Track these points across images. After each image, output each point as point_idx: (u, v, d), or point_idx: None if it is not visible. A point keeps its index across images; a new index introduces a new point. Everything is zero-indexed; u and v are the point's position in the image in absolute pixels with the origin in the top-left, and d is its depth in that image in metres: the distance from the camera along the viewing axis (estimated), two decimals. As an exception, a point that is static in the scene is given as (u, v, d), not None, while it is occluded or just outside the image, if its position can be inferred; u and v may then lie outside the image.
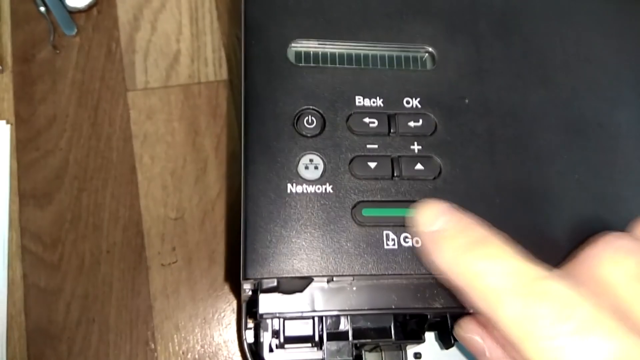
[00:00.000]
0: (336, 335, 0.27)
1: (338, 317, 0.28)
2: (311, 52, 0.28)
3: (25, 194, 0.45)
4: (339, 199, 0.26)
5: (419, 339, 0.29)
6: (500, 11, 0.30)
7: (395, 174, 0.26)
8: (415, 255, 0.25)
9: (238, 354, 0.43)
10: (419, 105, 0.28)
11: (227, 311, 0.43)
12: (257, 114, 0.27)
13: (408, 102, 0.28)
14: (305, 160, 0.26)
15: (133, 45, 0.49)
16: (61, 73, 0.48)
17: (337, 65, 0.28)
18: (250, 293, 0.27)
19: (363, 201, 0.26)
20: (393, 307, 0.26)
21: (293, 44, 0.28)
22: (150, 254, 0.44)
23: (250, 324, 0.33)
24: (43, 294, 0.43)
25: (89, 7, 0.49)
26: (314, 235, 0.25)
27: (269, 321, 0.28)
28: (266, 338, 0.28)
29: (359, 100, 0.27)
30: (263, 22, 0.28)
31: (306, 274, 0.25)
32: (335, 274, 0.25)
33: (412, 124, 0.27)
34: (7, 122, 0.46)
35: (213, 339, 0.43)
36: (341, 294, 0.26)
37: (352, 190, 0.26)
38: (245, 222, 0.25)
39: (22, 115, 0.47)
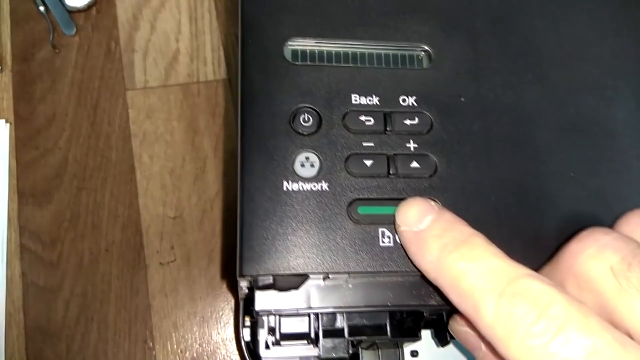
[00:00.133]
0: (332, 332, 0.27)
1: (334, 314, 0.28)
2: (308, 51, 0.28)
3: (24, 193, 0.45)
4: (334, 196, 0.26)
5: (415, 337, 0.29)
6: (496, 9, 0.30)
7: (391, 172, 0.27)
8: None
9: (236, 352, 0.43)
10: (415, 104, 0.28)
11: (226, 310, 0.43)
12: (254, 111, 0.27)
13: (404, 101, 0.28)
14: (301, 158, 0.26)
15: (132, 45, 0.49)
16: (60, 72, 0.48)
17: (334, 64, 0.28)
18: (247, 291, 0.27)
19: (359, 199, 0.26)
20: (389, 304, 0.26)
21: (290, 43, 0.28)
22: (149, 253, 0.44)
23: (248, 322, 0.33)
24: (42, 292, 0.43)
25: (88, 7, 0.49)
26: (310, 232, 0.25)
27: (265, 318, 0.28)
28: (262, 335, 0.28)
29: (355, 99, 0.27)
30: (260, 21, 0.28)
31: (302, 271, 0.25)
32: (331, 271, 0.25)
33: (408, 122, 0.27)
34: (7, 121, 0.47)
35: (211, 337, 0.43)
36: (337, 291, 0.26)
37: (348, 188, 0.26)
38: (241, 219, 0.25)
39: (21, 114, 0.47)
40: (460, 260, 0.22)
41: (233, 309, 0.44)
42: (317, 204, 0.26)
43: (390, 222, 0.26)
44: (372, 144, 0.27)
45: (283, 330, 0.28)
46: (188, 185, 0.46)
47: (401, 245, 0.25)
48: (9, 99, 0.47)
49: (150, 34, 0.49)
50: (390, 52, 0.29)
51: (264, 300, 0.26)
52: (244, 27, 0.28)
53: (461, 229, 0.23)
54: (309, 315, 0.28)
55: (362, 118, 0.27)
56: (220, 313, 0.43)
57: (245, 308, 0.32)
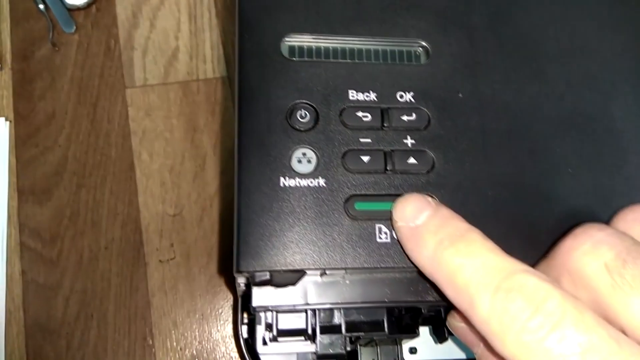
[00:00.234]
0: (329, 329, 0.27)
1: (331, 310, 0.28)
2: (304, 47, 0.28)
3: (24, 190, 0.45)
4: (331, 192, 0.26)
5: (414, 333, 0.29)
6: (494, 4, 0.30)
7: (388, 168, 0.26)
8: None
9: (236, 350, 0.43)
10: (413, 100, 0.28)
11: (225, 307, 0.43)
12: (251, 107, 0.27)
13: (401, 96, 0.28)
14: (298, 153, 0.26)
15: (132, 43, 0.49)
16: (60, 70, 0.48)
17: (331, 60, 0.28)
18: (244, 287, 0.27)
19: (356, 195, 0.26)
20: (386, 300, 0.26)
21: (286, 39, 0.28)
22: (148, 250, 0.44)
23: (246, 319, 0.33)
24: (42, 289, 0.43)
25: (88, 5, 0.49)
26: (307, 228, 0.25)
27: (262, 314, 0.28)
28: (259, 331, 0.28)
29: (352, 94, 0.27)
30: (257, 17, 0.28)
31: (299, 267, 0.25)
32: (328, 267, 0.25)
33: (405, 118, 0.27)
34: (7, 119, 0.47)
35: (211, 335, 0.43)
36: (334, 287, 0.26)
37: (345, 184, 0.26)
38: (238, 215, 0.25)
39: (21, 112, 0.47)
40: (456, 256, 0.22)
41: (232, 306, 0.44)
42: (314, 200, 0.26)
43: (387, 218, 0.26)
44: (369, 140, 0.27)
45: (280, 327, 0.28)
46: (187, 183, 0.46)
47: (398, 241, 0.25)
48: (8, 96, 0.47)
49: (149, 31, 0.49)
50: (388, 47, 0.29)
51: (261, 296, 0.26)
52: (240, 23, 0.28)
53: (457, 225, 0.23)
54: (306, 311, 0.28)
55: (359, 114, 0.27)
56: (220, 311, 0.43)
57: (243, 305, 0.32)
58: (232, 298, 0.44)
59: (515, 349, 0.19)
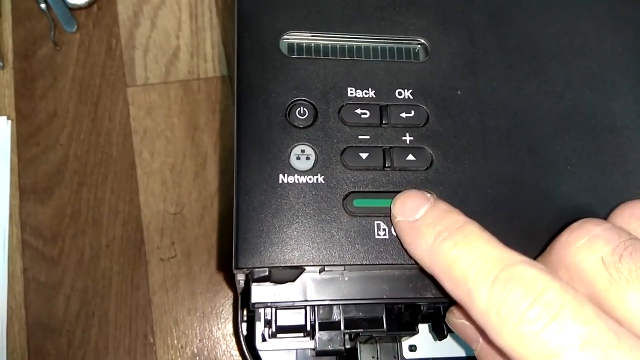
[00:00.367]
0: (328, 325, 0.27)
1: (330, 307, 0.28)
2: (304, 44, 0.28)
3: (25, 189, 0.45)
4: (330, 189, 0.26)
5: (413, 330, 0.29)
6: (493, 2, 0.30)
7: (386, 165, 0.27)
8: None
9: (236, 348, 0.43)
10: (411, 97, 0.28)
11: (226, 306, 0.44)
12: (250, 105, 0.27)
13: (400, 94, 0.28)
14: (297, 150, 0.26)
15: (133, 42, 0.49)
16: (62, 69, 0.48)
17: (330, 57, 0.28)
18: (244, 284, 0.27)
19: (354, 192, 0.26)
20: (385, 297, 0.26)
21: (285, 36, 0.28)
22: (149, 249, 0.44)
23: (246, 317, 0.33)
24: (43, 287, 0.43)
25: (89, 4, 0.50)
26: (306, 225, 0.25)
27: (261, 311, 0.28)
28: (259, 328, 0.28)
29: (351, 92, 0.28)
30: (256, 14, 0.28)
31: (297, 264, 0.25)
32: (327, 263, 0.25)
33: (404, 115, 0.27)
34: (8, 118, 0.47)
35: (212, 333, 0.43)
36: (333, 284, 0.26)
37: (344, 181, 0.26)
38: (237, 212, 0.25)
39: (22, 111, 0.47)
40: (454, 248, 0.22)
41: (233, 304, 0.44)
42: (312, 197, 0.26)
43: (386, 215, 0.26)
44: (367, 137, 0.27)
45: (279, 323, 0.28)
46: (188, 182, 0.46)
47: (396, 236, 0.25)
48: (10, 95, 0.48)
49: (150, 31, 0.50)
50: (387, 45, 0.29)
51: (260, 293, 0.26)
52: (240, 21, 0.28)
53: (455, 217, 0.23)
54: (305, 307, 0.28)
55: (358, 111, 0.27)
56: (221, 309, 0.43)
57: (243, 302, 0.32)
58: (232, 296, 0.44)
59: (512, 340, 0.19)
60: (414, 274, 0.26)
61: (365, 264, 0.25)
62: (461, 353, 0.34)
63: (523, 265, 0.20)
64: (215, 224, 0.45)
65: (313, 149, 0.26)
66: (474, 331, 0.25)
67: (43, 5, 0.49)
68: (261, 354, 0.29)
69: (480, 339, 0.25)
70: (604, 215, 0.26)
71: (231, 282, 0.43)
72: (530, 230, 0.26)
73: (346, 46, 0.29)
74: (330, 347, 0.27)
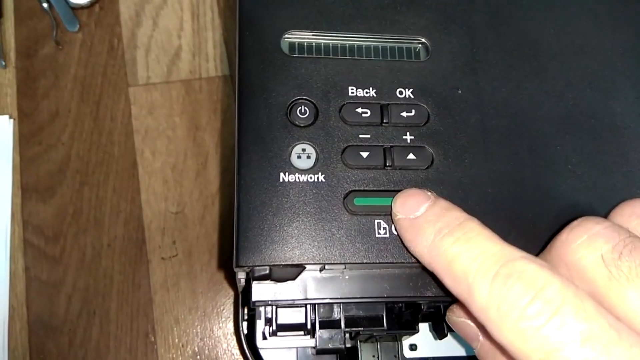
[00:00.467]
0: (329, 324, 0.27)
1: (331, 305, 0.28)
2: (305, 43, 0.29)
3: (27, 188, 0.46)
4: (331, 188, 0.26)
5: (413, 329, 0.29)
6: (494, 2, 0.30)
7: (387, 164, 0.27)
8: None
9: (237, 347, 0.43)
10: (412, 96, 0.28)
11: (227, 304, 0.44)
12: (251, 104, 0.27)
13: (401, 93, 0.28)
14: (297, 149, 0.26)
15: (135, 41, 0.49)
16: (64, 68, 0.48)
17: (331, 56, 0.28)
18: (244, 283, 0.27)
19: (355, 190, 0.26)
20: (385, 295, 0.26)
21: (286, 35, 0.28)
22: (150, 248, 0.44)
23: (247, 316, 0.33)
24: (45, 286, 0.43)
25: (91, 4, 0.50)
26: (306, 223, 0.25)
27: (262, 309, 0.28)
28: (259, 326, 0.28)
29: (352, 91, 0.28)
30: (257, 14, 0.28)
31: (298, 262, 0.25)
32: (327, 262, 0.25)
33: (404, 114, 0.27)
34: (10, 117, 0.47)
35: (212, 332, 0.43)
36: (333, 283, 0.26)
37: (344, 180, 0.26)
38: (237, 210, 0.25)
39: (25, 110, 0.47)
40: (455, 244, 0.22)
41: (233, 303, 0.44)
42: (313, 196, 0.26)
43: (387, 214, 0.26)
44: (368, 136, 0.27)
45: (280, 321, 0.28)
46: (190, 181, 0.46)
47: (397, 235, 0.25)
48: (12, 95, 0.48)
49: (152, 30, 0.50)
50: (388, 44, 0.29)
51: (260, 291, 0.26)
52: (241, 20, 0.28)
53: (456, 215, 0.23)
54: (305, 306, 0.28)
55: (359, 110, 0.27)
56: (222, 308, 0.43)
57: (244, 300, 0.32)
58: (233, 295, 0.44)
59: (512, 336, 0.19)
60: (415, 272, 0.26)
61: (366, 263, 0.25)
62: (462, 352, 0.34)
63: (523, 261, 0.20)
64: (217, 223, 0.45)
65: (314, 147, 0.26)
66: (475, 329, 0.25)
67: (45, 5, 0.49)
68: (262, 352, 0.29)
69: (481, 338, 0.25)
70: (605, 214, 0.26)
71: (232, 280, 0.43)
72: (531, 229, 0.26)
73: (347, 45, 0.29)
74: (330, 346, 0.27)
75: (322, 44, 0.29)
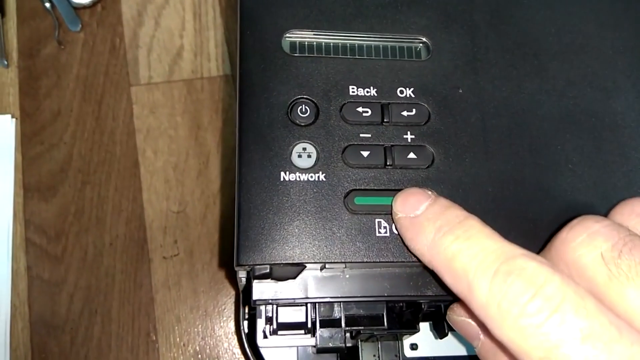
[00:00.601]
0: (329, 323, 0.28)
1: (331, 304, 0.28)
2: (305, 43, 0.29)
3: (29, 187, 0.46)
4: (331, 187, 0.26)
5: (413, 329, 0.29)
6: (494, 1, 0.30)
7: (388, 163, 0.27)
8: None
9: (238, 346, 0.43)
10: (413, 95, 0.28)
11: (228, 304, 0.44)
12: (252, 103, 0.27)
13: (402, 92, 0.28)
14: (298, 148, 0.26)
15: (137, 41, 0.50)
16: (66, 68, 0.48)
17: (332, 55, 0.28)
18: (245, 281, 0.27)
19: (355, 189, 0.26)
20: (385, 294, 0.26)
21: (287, 35, 0.28)
22: (152, 247, 0.44)
23: (247, 315, 0.33)
24: (46, 285, 0.43)
25: (94, 3, 0.50)
26: (307, 222, 0.25)
27: (262, 308, 0.28)
28: (260, 325, 0.28)
29: (353, 90, 0.28)
30: (258, 13, 0.28)
31: (298, 261, 0.25)
32: (328, 261, 0.25)
33: (405, 113, 0.27)
34: (13, 116, 0.47)
35: (214, 331, 0.43)
36: (334, 282, 0.26)
37: (345, 179, 0.26)
38: (238, 209, 0.25)
39: (27, 110, 0.47)
40: (455, 242, 0.22)
41: (235, 303, 0.44)
42: (314, 195, 0.26)
43: (387, 213, 0.26)
44: (369, 135, 0.27)
45: (280, 320, 0.28)
46: (191, 180, 0.46)
47: (397, 234, 0.25)
48: (14, 94, 0.48)
49: (154, 30, 0.50)
50: (389, 43, 0.29)
51: (261, 289, 0.26)
52: (242, 20, 0.28)
53: (456, 213, 0.23)
54: (306, 305, 0.28)
55: (360, 109, 0.27)
56: (223, 307, 0.44)
57: (245, 299, 0.32)
58: (234, 294, 0.44)
59: (513, 334, 0.19)
60: (415, 271, 0.26)
61: (366, 262, 0.25)
62: (462, 352, 0.34)
63: (524, 258, 0.20)
64: (218, 222, 0.45)
65: (314, 146, 0.26)
66: (475, 328, 0.25)
67: (47, 5, 0.49)
68: (262, 350, 0.29)
69: (482, 336, 0.25)
70: (605, 213, 0.26)
71: (233, 279, 0.43)
72: (531, 228, 0.26)
73: (348, 45, 0.29)
74: (331, 345, 0.27)
75: (323, 43, 0.29)
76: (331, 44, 0.29)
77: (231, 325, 0.43)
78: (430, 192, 0.25)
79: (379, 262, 0.25)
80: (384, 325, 0.27)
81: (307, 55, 0.28)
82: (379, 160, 0.27)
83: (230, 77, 0.49)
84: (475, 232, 0.22)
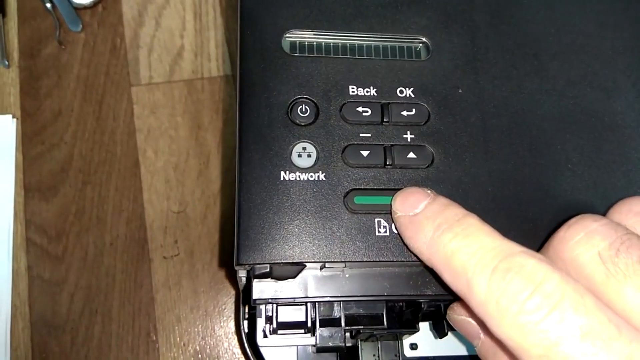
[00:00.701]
0: (329, 322, 0.28)
1: (331, 304, 0.28)
2: (306, 43, 0.29)
3: (30, 187, 0.46)
4: (331, 186, 0.26)
5: (413, 328, 0.29)
6: (494, 1, 0.30)
7: (387, 163, 0.27)
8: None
9: (238, 346, 0.43)
10: (413, 95, 0.28)
11: (228, 304, 0.44)
12: (252, 102, 0.27)
13: (401, 92, 0.28)
14: (298, 148, 0.26)
15: (137, 41, 0.50)
16: (66, 68, 0.48)
17: (332, 55, 0.28)
18: (245, 281, 0.27)
19: (355, 189, 0.26)
20: (385, 294, 0.26)
21: (287, 35, 0.28)
22: (152, 247, 0.45)
23: (247, 315, 0.33)
24: (47, 285, 0.44)
25: (94, 4, 0.50)
26: (307, 222, 0.25)
27: (262, 307, 0.28)
28: (260, 324, 0.28)
29: (353, 90, 0.28)
30: (258, 13, 0.28)
31: (298, 260, 0.25)
32: (327, 260, 0.25)
33: (405, 113, 0.27)
34: (13, 116, 0.47)
35: (214, 331, 0.43)
36: (334, 281, 0.26)
37: (345, 178, 0.26)
38: (238, 208, 0.25)
39: (27, 110, 0.47)
40: (454, 239, 0.22)
41: (235, 303, 0.44)
42: (313, 194, 0.26)
43: (387, 212, 0.26)
44: (369, 135, 0.27)
45: (280, 319, 0.28)
46: (192, 180, 0.46)
47: (397, 233, 0.25)
48: (15, 94, 0.48)
49: (155, 30, 0.50)
50: (388, 43, 0.29)
51: (261, 289, 0.26)
52: (242, 19, 0.28)
53: (455, 211, 0.23)
54: (306, 304, 0.28)
55: (360, 109, 0.27)
56: (223, 307, 0.44)
57: (245, 298, 0.32)
58: (234, 294, 0.44)
59: (512, 331, 0.19)
60: (415, 271, 0.26)
61: (366, 261, 0.25)
62: (462, 351, 0.34)
63: (523, 255, 0.20)
64: (218, 222, 0.45)
65: (314, 146, 0.27)
66: (475, 327, 0.25)
67: (48, 5, 0.49)
68: (262, 350, 0.29)
69: (482, 335, 0.25)
70: (605, 213, 0.26)
71: (233, 279, 0.43)
72: (531, 228, 0.27)
73: (348, 44, 0.29)
74: (330, 344, 0.27)
75: (323, 43, 0.29)
76: (331, 44, 0.29)
77: (231, 325, 0.43)
78: (429, 191, 0.25)
79: (379, 261, 0.25)
80: (383, 324, 0.27)
81: (307, 55, 0.28)
82: (378, 159, 0.27)
83: (231, 77, 0.49)
84: (474, 230, 0.22)
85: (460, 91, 0.28)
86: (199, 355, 0.42)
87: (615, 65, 0.30)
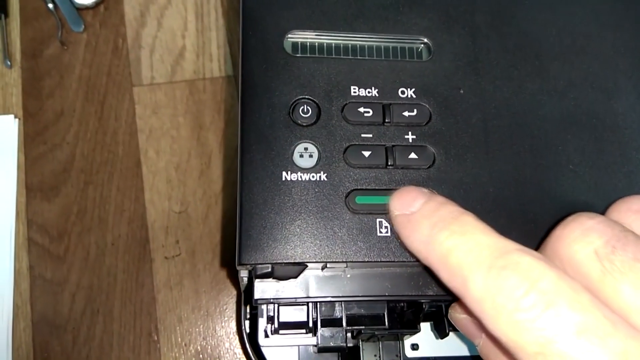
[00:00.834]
0: (330, 322, 0.28)
1: (332, 304, 0.28)
2: (307, 43, 0.29)
3: (32, 187, 0.46)
4: (333, 187, 0.26)
5: (414, 329, 0.29)
6: (496, 2, 0.30)
7: (389, 163, 0.27)
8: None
9: (240, 346, 0.43)
10: (414, 96, 0.28)
11: (230, 304, 0.44)
12: (254, 103, 0.27)
13: (403, 93, 0.28)
14: (300, 148, 0.26)
15: (139, 41, 0.50)
16: (69, 68, 0.49)
17: (333, 56, 0.29)
18: (247, 281, 0.27)
19: (357, 189, 0.26)
20: (387, 294, 0.26)
21: (289, 35, 0.28)
22: (154, 247, 0.45)
23: (249, 315, 0.33)
24: (49, 285, 0.44)
25: (96, 4, 0.50)
26: (308, 222, 0.25)
27: (264, 307, 0.28)
28: (261, 324, 0.28)
29: (354, 90, 0.28)
30: (260, 13, 0.29)
31: (300, 260, 0.25)
32: (329, 260, 0.25)
33: (406, 113, 0.28)
34: (16, 117, 0.47)
35: (215, 331, 0.43)
36: (335, 281, 0.26)
37: (346, 179, 0.26)
38: (240, 208, 0.26)
39: (30, 110, 0.48)
40: (450, 237, 0.22)
41: (236, 303, 0.44)
42: (315, 194, 0.26)
43: (388, 212, 0.26)
44: (370, 135, 0.27)
45: (282, 319, 0.28)
46: (193, 180, 0.46)
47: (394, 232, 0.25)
48: (17, 94, 0.48)
49: (157, 30, 0.50)
50: (390, 44, 0.29)
51: (263, 289, 0.26)
52: (244, 20, 0.28)
53: (451, 209, 0.23)
54: (307, 304, 0.28)
55: (361, 110, 0.27)
56: (224, 307, 0.44)
57: (246, 298, 0.32)
58: (236, 294, 0.44)
59: (508, 328, 0.19)
60: (416, 271, 0.26)
61: (367, 261, 0.25)
62: (463, 351, 0.34)
63: (519, 253, 0.20)
64: (220, 222, 0.45)
65: (316, 146, 0.27)
66: (476, 327, 0.25)
67: (50, 5, 0.49)
68: (263, 350, 0.29)
69: (483, 334, 0.25)
70: (604, 213, 0.26)
71: (235, 279, 0.43)
72: (532, 229, 0.27)
73: (349, 45, 0.29)
74: (332, 344, 0.27)
75: (325, 44, 0.29)
76: (333, 45, 0.29)
77: (233, 325, 0.43)
78: (425, 190, 0.25)
79: (380, 261, 0.25)
80: (385, 324, 0.27)
81: (308, 55, 0.28)
82: (380, 160, 0.27)
83: (233, 78, 0.49)
84: (470, 228, 0.22)
85: (461, 92, 0.28)
86: (200, 356, 0.43)
87: (616, 66, 0.30)
